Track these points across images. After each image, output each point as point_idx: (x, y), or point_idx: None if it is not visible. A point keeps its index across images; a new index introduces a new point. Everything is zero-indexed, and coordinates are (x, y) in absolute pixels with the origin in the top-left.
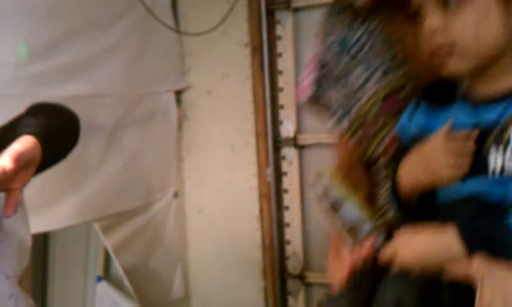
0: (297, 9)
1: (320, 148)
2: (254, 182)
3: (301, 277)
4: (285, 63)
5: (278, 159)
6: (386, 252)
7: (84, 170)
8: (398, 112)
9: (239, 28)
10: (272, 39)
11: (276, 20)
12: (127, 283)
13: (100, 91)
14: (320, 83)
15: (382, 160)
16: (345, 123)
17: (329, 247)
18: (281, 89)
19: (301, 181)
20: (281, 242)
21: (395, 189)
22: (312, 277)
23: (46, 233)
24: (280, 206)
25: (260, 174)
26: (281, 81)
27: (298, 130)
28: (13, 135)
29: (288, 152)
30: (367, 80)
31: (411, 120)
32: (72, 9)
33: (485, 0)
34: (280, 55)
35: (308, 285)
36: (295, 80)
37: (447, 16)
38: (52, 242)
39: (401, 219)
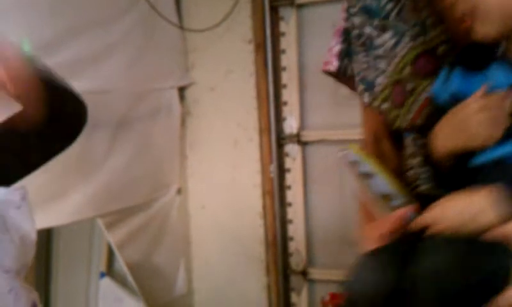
0: (300, 6)
1: (324, 144)
2: (257, 179)
3: (304, 273)
4: (289, 60)
5: (281, 156)
6: (424, 217)
7: (88, 166)
8: (428, 74)
9: (243, 24)
10: (276, 36)
11: (279, 17)
12: (130, 279)
13: (104, 88)
14: (347, 52)
15: (411, 130)
16: (374, 92)
17: (360, 210)
18: (284, 86)
19: (304, 177)
20: (285, 239)
21: (429, 156)
22: (314, 273)
23: (50, 229)
24: (283, 203)
25: (264, 171)
26: (285, 77)
27: (301, 127)
28: None
29: (292, 149)
30: (395, 45)
31: (445, 85)
32: (75, 6)
33: None
34: (283, 51)
35: (311, 281)
36: (298, 77)
37: None
38: (56, 238)
39: (435, 187)
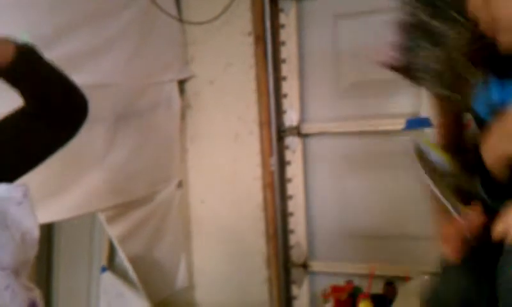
0: None
1: (324, 136)
2: (258, 172)
3: (304, 266)
4: (289, 52)
5: (281, 148)
6: (498, 227)
7: (88, 161)
8: (478, 64)
9: (242, 17)
10: (276, 28)
11: (279, 9)
12: (131, 273)
13: (103, 82)
14: (407, 45)
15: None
16: (434, 79)
17: (433, 215)
18: (284, 78)
19: (304, 170)
20: (285, 232)
21: (483, 168)
22: (315, 266)
23: (51, 224)
24: (283, 196)
25: (264, 164)
26: (285, 70)
27: (302, 119)
28: None
29: (292, 141)
30: (447, 33)
31: (484, 98)
32: (74, 0)
33: None
34: (283, 43)
35: (311, 274)
36: (299, 69)
37: None
38: (57, 233)
39: (490, 198)
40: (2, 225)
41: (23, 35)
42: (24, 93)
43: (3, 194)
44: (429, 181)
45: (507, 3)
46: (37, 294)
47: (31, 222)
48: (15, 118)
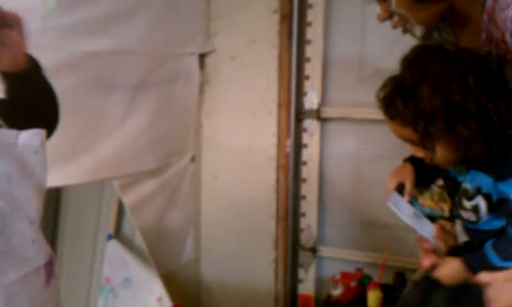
0: None
1: (344, 122)
2: (273, 152)
3: (313, 250)
4: (314, 33)
5: (299, 131)
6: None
7: (105, 127)
8: None
9: None
10: (303, 8)
11: None
12: (137, 242)
13: (125, 49)
14: None
15: None
16: None
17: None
18: (308, 60)
19: (321, 154)
20: (296, 214)
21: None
22: (324, 251)
23: (59, 188)
24: (297, 178)
25: (280, 145)
26: (309, 51)
27: (322, 103)
28: None
29: (310, 124)
30: None
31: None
32: None
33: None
34: (309, 24)
35: (319, 258)
36: (323, 51)
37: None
38: (65, 198)
39: None
40: (25, 174)
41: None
42: (16, 98)
43: (24, 142)
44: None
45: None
46: (49, 248)
47: (43, 173)
48: None
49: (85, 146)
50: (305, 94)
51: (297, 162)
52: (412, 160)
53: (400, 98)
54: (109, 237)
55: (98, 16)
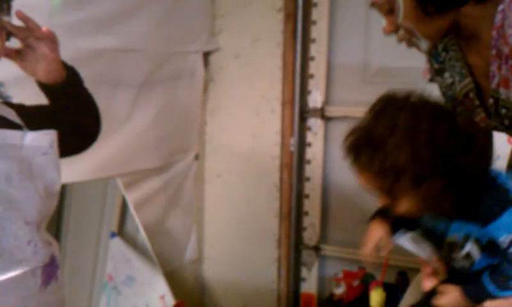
0: None
1: (347, 121)
2: (276, 151)
3: (316, 249)
4: (319, 31)
5: (303, 129)
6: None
7: (109, 125)
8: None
9: None
10: (308, 6)
11: None
12: (140, 240)
13: (130, 46)
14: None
15: None
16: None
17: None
18: (312, 58)
19: (324, 153)
20: (299, 213)
21: None
22: (327, 250)
23: (63, 186)
24: (300, 177)
25: (283, 144)
26: (313, 50)
27: (326, 101)
28: None
29: (314, 123)
30: (453, 83)
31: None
32: None
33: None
34: (314, 23)
35: (322, 257)
36: (328, 50)
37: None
38: (69, 195)
39: None
40: (28, 176)
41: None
42: (59, 108)
43: (31, 143)
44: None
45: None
46: (55, 248)
47: (55, 174)
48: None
49: None
50: (309, 93)
51: (301, 161)
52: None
53: (367, 151)
54: (113, 235)
55: (103, 14)
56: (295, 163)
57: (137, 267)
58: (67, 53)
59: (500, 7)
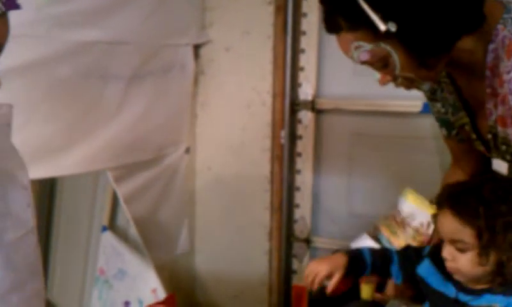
0: None
1: (338, 113)
2: (267, 143)
3: (307, 241)
4: (309, 24)
5: (293, 122)
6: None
7: (99, 118)
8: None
9: None
10: None
11: None
12: (131, 234)
13: (120, 39)
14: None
15: None
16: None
17: None
18: (302, 51)
19: (315, 145)
20: (291, 205)
21: None
22: (318, 242)
23: (53, 179)
24: (291, 170)
25: (274, 136)
26: (304, 42)
27: (317, 94)
28: None
29: (305, 116)
30: (446, 113)
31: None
32: None
33: (474, 255)
34: (304, 15)
35: (313, 249)
36: (318, 42)
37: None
38: (59, 189)
39: None
40: (9, 136)
41: None
42: None
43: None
44: None
45: (466, 265)
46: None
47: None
48: None
49: (79, 137)
50: (300, 85)
51: (292, 154)
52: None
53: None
54: (104, 229)
55: (91, 6)
56: (286, 156)
57: (129, 261)
58: (56, 46)
59: (491, 46)
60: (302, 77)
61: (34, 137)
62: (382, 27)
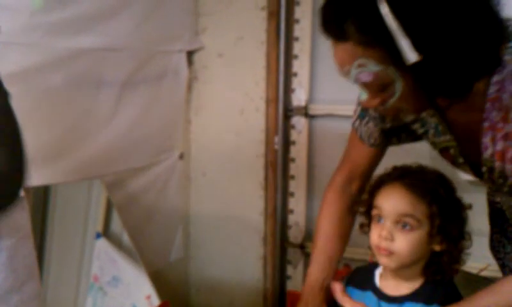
0: None
1: (331, 119)
2: (261, 149)
3: (301, 247)
4: (302, 30)
5: (287, 128)
6: None
7: (93, 125)
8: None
9: None
10: (291, 5)
11: None
12: (125, 241)
13: (113, 45)
14: None
15: None
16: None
17: None
18: (295, 57)
19: (309, 151)
20: (285, 211)
21: None
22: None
23: (47, 187)
24: (285, 175)
25: (268, 142)
26: (297, 48)
27: (310, 100)
28: None
29: (298, 121)
30: (426, 133)
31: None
32: None
33: (420, 235)
34: (297, 21)
35: (308, 255)
36: (311, 48)
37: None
38: (53, 196)
39: None
40: None
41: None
42: None
43: None
44: None
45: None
46: None
47: None
48: None
49: (72, 144)
50: (293, 91)
51: (286, 159)
52: None
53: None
54: (98, 235)
55: (84, 13)
56: (280, 161)
57: (123, 268)
58: (49, 53)
59: (495, 78)
60: (295, 82)
61: (28, 145)
62: (411, 56)
